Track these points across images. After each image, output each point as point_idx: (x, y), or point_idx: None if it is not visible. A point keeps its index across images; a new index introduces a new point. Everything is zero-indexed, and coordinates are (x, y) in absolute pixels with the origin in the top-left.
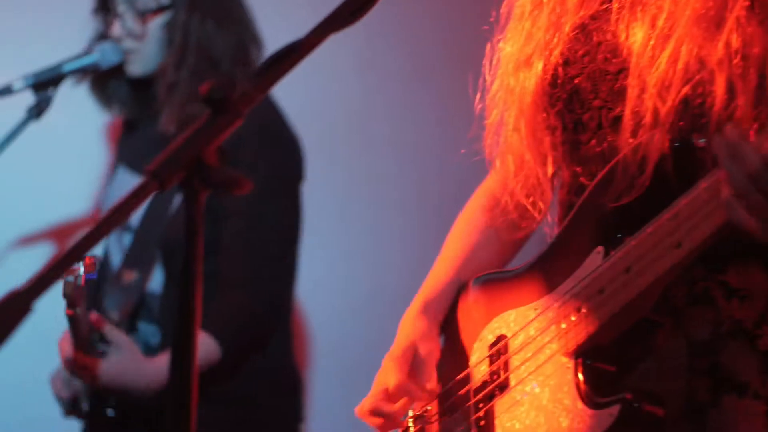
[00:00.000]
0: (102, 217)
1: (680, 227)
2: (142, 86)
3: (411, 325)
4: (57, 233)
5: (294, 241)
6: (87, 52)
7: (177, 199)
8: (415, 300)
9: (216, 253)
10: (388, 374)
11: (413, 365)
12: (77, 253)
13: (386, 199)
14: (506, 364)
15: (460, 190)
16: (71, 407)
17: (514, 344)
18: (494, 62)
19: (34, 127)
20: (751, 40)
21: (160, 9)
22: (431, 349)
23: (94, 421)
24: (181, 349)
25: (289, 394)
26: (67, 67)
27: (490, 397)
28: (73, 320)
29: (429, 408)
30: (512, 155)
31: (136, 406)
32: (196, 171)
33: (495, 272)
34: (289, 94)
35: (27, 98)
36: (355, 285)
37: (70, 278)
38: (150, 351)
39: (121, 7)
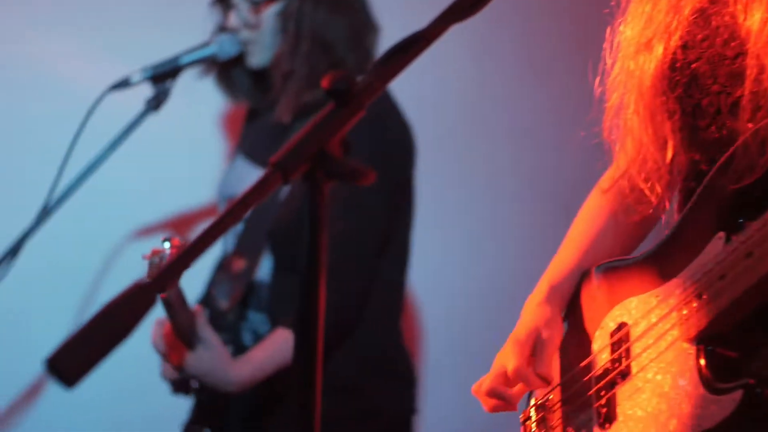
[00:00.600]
0: (227, 209)
1: None
2: (262, 76)
3: (535, 310)
4: (175, 224)
5: (385, 235)
6: (205, 44)
7: (285, 188)
8: (539, 285)
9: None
10: (509, 357)
11: (534, 350)
12: (202, 245)
13: (502, 187)
14: (628, 351)
15: (576, 177)
16: (179, 386)
17: (635, 331)
18: (614, 45)
19: (152, 118)
20: None
21: None
22: (553, 336)
23: (202, 399)
24: (306, 341)
25: (402, 386)
26: (185, 60)
27: (612, 384)
28: (166, 304)
29: (551, 396)
30: (631, 138)
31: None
32: (320, 163)
33: (617, 260)
34: (404, 83)
35: (145, 90)
36: (471, 275)
37: (155, 259)
38: (259, 339)
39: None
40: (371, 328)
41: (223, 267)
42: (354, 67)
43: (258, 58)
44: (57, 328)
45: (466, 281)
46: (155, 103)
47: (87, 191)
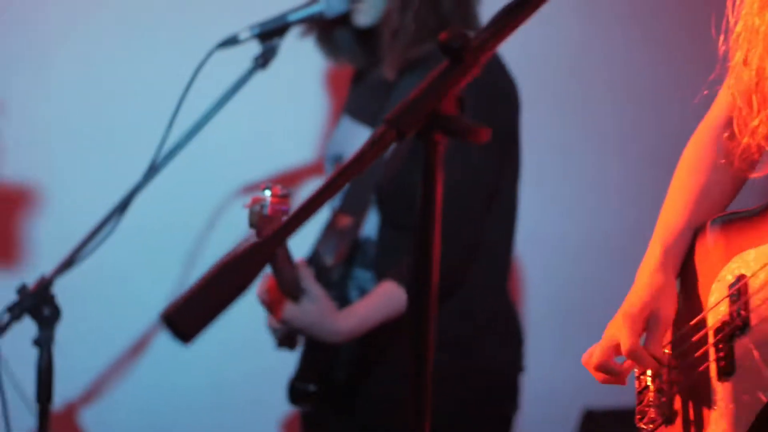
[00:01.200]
0: (341, 167)
1: None
2: (369, 36)
3: (650, 280)
4: (280, 181)
5: (494, 180)
6: (312, 1)
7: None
8: (651, 247)
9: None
10: (622, 333)
11: (648, 325)
12: (315, 204)
13: (605, 145)
14: (747, 303)
15: (679, 137)
16: (284, 341)
17: (754, 284)
18: (737, 3)
19: (260, 76)
20: None
21: None
22: (668, 312)
23: (308, 354)
24: (419, 297)
25: (511, 344)
26: (293, 17)
27: (731, 337)
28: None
29: (665, 351)
30: (756, 95)
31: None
32: (435, 120)
33: (732, 212)
34: (507, 41)
35: (253, 48)
36: (574, 234)
37: (256, 207)
38: None
39: None
40: (480, 285)
41: (329, 224)
42: (459, 23)
43: (366, 16)
44: (163, 284)
45: (566, 238)
46: (263, 60)
47: (194, 148)
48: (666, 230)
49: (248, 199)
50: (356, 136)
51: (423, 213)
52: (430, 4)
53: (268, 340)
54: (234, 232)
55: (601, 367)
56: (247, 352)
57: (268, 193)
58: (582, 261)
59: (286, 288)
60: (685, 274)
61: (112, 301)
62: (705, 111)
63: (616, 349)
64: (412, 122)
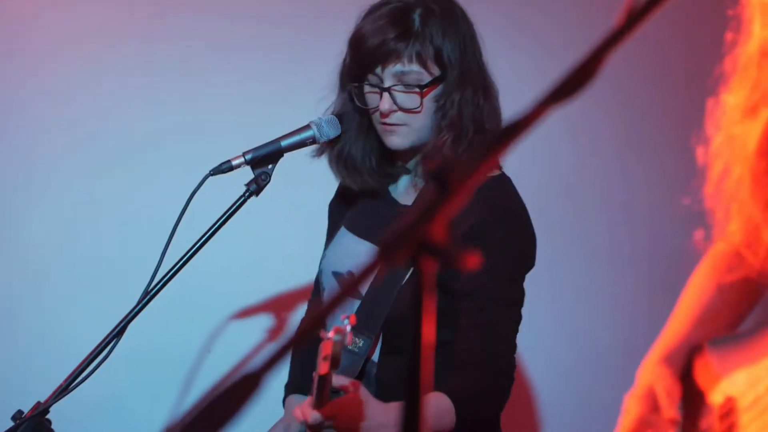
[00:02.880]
0: (335, 294)
1: None
2: (395, 154)
3: (652, 371)
4: (274, 305)
5: (519, 322)
6: (304, 127)
7: (406, 274)
8: (653, 350)
9: (449, 325)
10: (632, 408)
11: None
12: (311, 329)
13: (599, 262)
14: (733, 424)
15: (672, 251)
16: None
17: (742, 403)
18: (718, 115)
19: (255, 200)
20: None
21: (435, 82)
22: (674, 389)
23: None
24: (411, 418)
25: None
26: (285, 143)
27: None
28: (324, 380)
29: None
30: (735, 203)
31: None
32: (425, 247)
33: (727, 336)
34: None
35: (246, 174)
36: (572, 347)
37: (338, 337)
38: None
39: (389, 81)
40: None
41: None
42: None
43: (405, 140)
44: (159, 410)
45: (562, 355)
46: (256, 187)
47: (189, 274)
48: (666, 340)
49: (247, 330)
50: (360, 253)
51: (414, 341)
52: (480, 130)
53: None
54: (229, 356)
55: (643, 422)
56: None
57: (347, 322)
58: (577, 376)
59: (323, 403)
60: (685, 392)
61: (109, 427)
62: (699, 223)
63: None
64: (400, 249)
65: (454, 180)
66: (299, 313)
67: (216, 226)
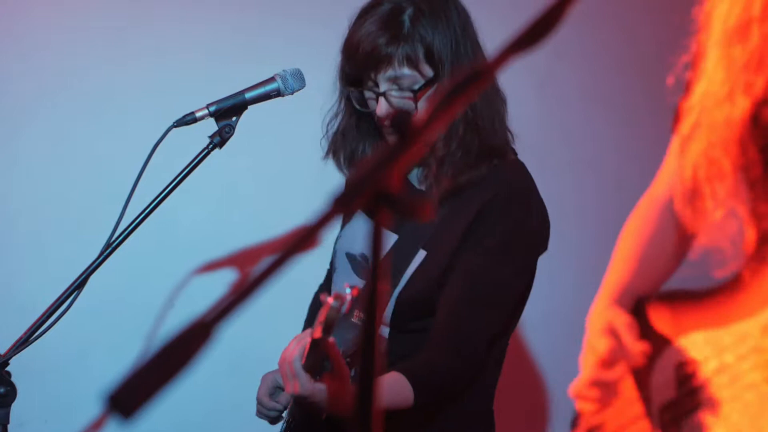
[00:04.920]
0: (288, 244)
1: None
2: None
3: (606, 313)
4: (239, 260)
5: (518, 305)
6: (269, 79)
7: (419, 256)
8: (600, 298)
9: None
10: (596, 344)
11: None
12: (261, 279)
13: (563, 221)
14: (699, 387)
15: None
16: (268, 415)
17: (707, 367)
18: (690, 98)
19: (219, 153)
20: None
21: (427, 85)
22: (633, 325)
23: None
24: (364, 384)
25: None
26: (249, 95)
27: (677, 419)
28: (316, 345)
29: (605, 423)
30: (708, 188)
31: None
32: (381, 198)
33: (677, 291)
34: None
35: (210, 126)
36: (531, 303)
37: (336, 304)
38: None
39: (384, 86)
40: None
41: (344, 315)
42: (495, 138)
43: None
44: (121, 362)
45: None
46: (219, 139)
47: (151, 226)
48: (610, 288)
49: (211, 284)
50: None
51: (370, 289)
52: (473, 129)
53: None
54: (192, 310)
55: (594, 382)
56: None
57: (348, 291)
58: (540, 332)
59: (314, 369)
60: None
61: (70, 380)
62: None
63: (600, 363)
64: (356, 198)
65: (413, 130)
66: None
67: (179, 178)
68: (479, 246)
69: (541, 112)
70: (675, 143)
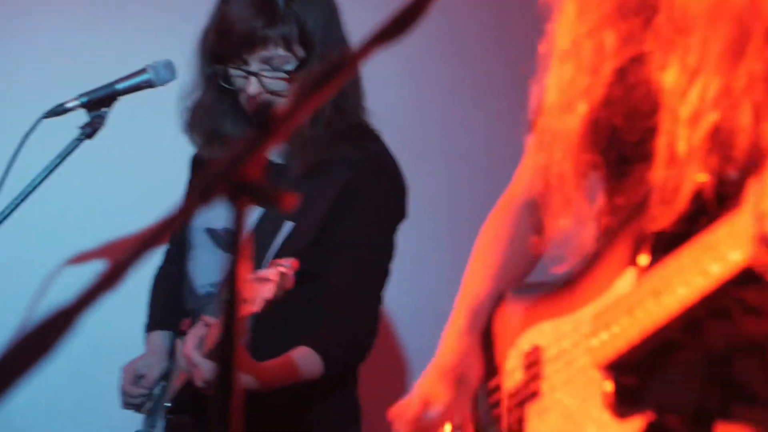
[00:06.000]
0: (147, 233)
1: (707, 256)
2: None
3: (458, 342)
4: (110, 250)
5: (388, 275)
6: (140, 70)
7: (286, 227)
8: (457, 310)
9: (318, 279)
10: (438, 390)
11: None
12: (123, 268)
13: (436, 212)
14: (539, 372)
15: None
16: (135, 404)
17: (548, 354)
18: (539, 102)
19: (87, 145)
20: None
21: (301, 66)
22: (475, 374)
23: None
24: (226, 362)
25: (350, 425)
26: (121, 86)
27: (522, 403)
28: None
29: (462, 413)
30: (557, 192)
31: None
32: (241, 187)
33: (532, 284)
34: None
35: (81, 117)
36: (398, 303)
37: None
38: None
39: (256, 66)
40: None
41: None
42: (359, 116)
43: None
44: None
45: (399, 303)
46: (90, 130)
47: (22, 217)
48: (471, 297)
49: (83, 276)
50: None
51: (229, 276)
52: (338, 110)
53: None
54: (64, 300)
55: (417, 421)
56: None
57: (289, 266)
58: (424, 326)
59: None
60: (487, 338)
61: None
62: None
63: (429, 405)
64: (216, 187)
65: (275, 120)
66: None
67: (49, 169)
68: (355, 219)
69: (415, 102)
70: (530, 144)
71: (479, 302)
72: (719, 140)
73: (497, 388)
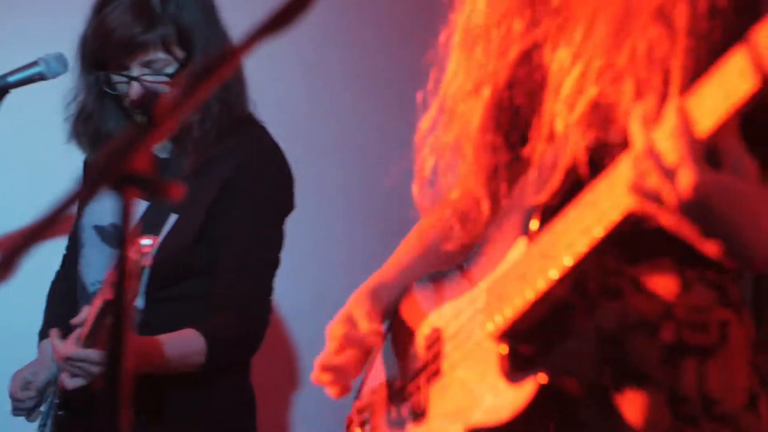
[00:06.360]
0: (34, 223)
1: (591, 213)
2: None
3: (352, 301)
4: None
5: (277, 266)
6: (32, 63)
7: (171, 220)
8: (361, 286)
9: (207, 274)
10: (334, 331)
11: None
12: (9, 261)
13: (331, 206)
14: (439, 351)
15: (407, 194)
16: (24, 409)
17: (447, 333)
18: (443, 87)
19: None
20: (655, 45)
21: (181, 67)
22: (372, 312)
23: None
24: (114, 355)
25: (244, 413)
26: (12, 79)
27: (425, 382)
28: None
29: (370, 400)
30: (458, 177)
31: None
32: (128, 178)
33: (434, 273)
34: None
35: None
36: (299, 290)
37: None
38: None
39: (137, 70)
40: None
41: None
42: (244, 111)
43: None
44: None
45: (294, 296)
46: None
47: None
48: (376, 278)
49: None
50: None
51: (119, 265)
52: (225, 107)
53: None
54: None
55: (324, 367)
56: None
57: (150, 242)
58: (309, 318)
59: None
60: (394, 328)
61: None
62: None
63: (335, 348)
64: (104, 180)
65: (159, 112)
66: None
67: None
68: (239, 211)
69: (309, 96)
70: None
71: (380, 283)
72: (599, 116)
73: (403, 372)
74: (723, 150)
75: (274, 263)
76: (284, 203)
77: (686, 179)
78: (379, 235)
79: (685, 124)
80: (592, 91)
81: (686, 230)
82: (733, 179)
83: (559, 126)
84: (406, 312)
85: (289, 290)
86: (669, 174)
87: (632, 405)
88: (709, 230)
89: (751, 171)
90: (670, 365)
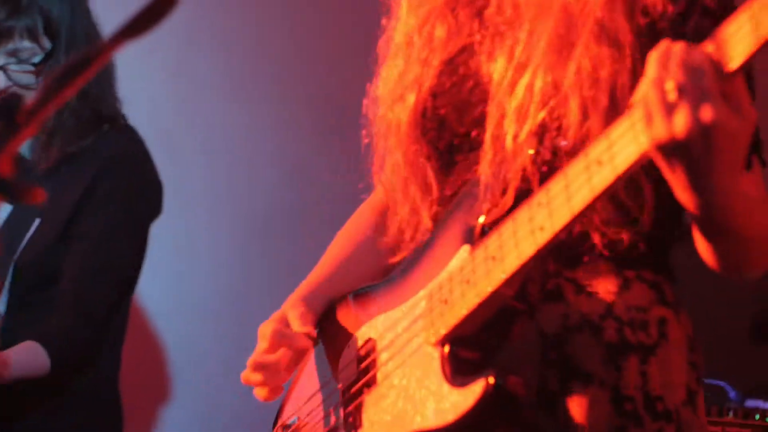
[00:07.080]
0: None
1: (541, 212)
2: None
3: (290, 305)
4: None
5: (134, 273)
6: None
7: (35, 224)
8: (296, 290)
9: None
10: (265, 329)
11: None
12: None
13: (194, 209)
14: (373, 362)
15: (272, 201)
16: None
17: (381, 344)
18: (372, 96)
19: None
20: (600, 63)
21: (47, 57)
22: (306, 315)
23: None
24: None
25: (110, 425)
26: None
27: (359, 394)
28: None
29: (300, 415)
30: (393, 185)
31: None
32: None
33: (369, 285)
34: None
35: None
36: (168, 294)
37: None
38: None
39: (1, 60)
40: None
41: None
42: (109, 105)
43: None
44: None
45: (162, 300)
46: None
47: None
48: (308, 281)
49: None
50: None
51: None
52: (84, 98)
53: None
54: None
55: (256, 366)
56: None
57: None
58: (171, 321)
59: None
60: (327, 340)
61: None
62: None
63: (265, 349)
64: None
65: (23, 113)
66: None
67: None
68: (97, 212)
69: (174, 99)
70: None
71: (311, 289)
72: (547, 135)
73: (333, 385)
74: (727, 93)
75: (124, 267)
76: (148, 208)
77: (709, 112)
78: (245, 238)
79: (714, 58)
80: (540, 113)
81: (679, 168)
82: (744, 126)
83: (509, 144)
84: (340, 327)
85: (155, 294)
86: (691, 101)
87: (578, 405)
88: (700, 172)
89: (751, 118)
90: (613, 364)
